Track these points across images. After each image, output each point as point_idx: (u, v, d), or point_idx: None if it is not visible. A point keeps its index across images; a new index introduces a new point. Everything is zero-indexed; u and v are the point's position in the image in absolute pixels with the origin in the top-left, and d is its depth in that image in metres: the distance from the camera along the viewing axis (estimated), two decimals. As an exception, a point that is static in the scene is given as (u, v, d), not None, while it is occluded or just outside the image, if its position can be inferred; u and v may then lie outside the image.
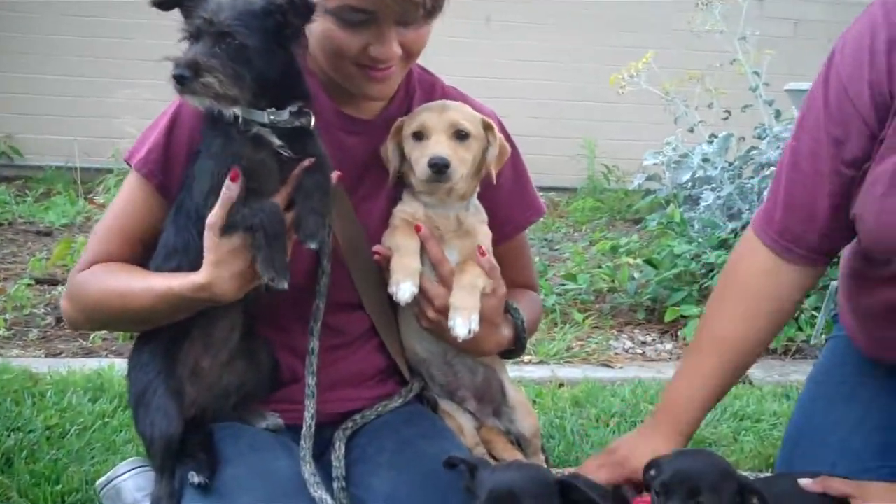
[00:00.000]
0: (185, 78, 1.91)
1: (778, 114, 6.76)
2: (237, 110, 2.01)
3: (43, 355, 4.42)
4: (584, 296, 5.52)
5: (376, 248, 2.27)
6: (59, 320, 4.90)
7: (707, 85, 7.08)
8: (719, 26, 6.78)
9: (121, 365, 3.91)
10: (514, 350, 2.45)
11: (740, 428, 3.52)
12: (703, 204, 6.06)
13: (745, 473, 2.67)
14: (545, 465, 2.52)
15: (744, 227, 5.64)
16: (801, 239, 2.24)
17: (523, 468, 2.11)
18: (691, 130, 6.97)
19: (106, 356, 4.40)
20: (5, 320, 4.83)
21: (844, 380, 2.47)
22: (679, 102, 6.95)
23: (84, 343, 4.59)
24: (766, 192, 5.48)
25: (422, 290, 2.21)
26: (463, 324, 2.16)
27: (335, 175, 2.12)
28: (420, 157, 2.22)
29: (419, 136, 2.25)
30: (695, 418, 2.36)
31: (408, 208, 2.31)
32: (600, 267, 5.91)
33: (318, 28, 2.10)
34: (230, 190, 1.97)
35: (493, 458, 2.42)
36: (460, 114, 2.27)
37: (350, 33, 2.09)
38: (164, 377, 2.14)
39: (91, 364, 4.03)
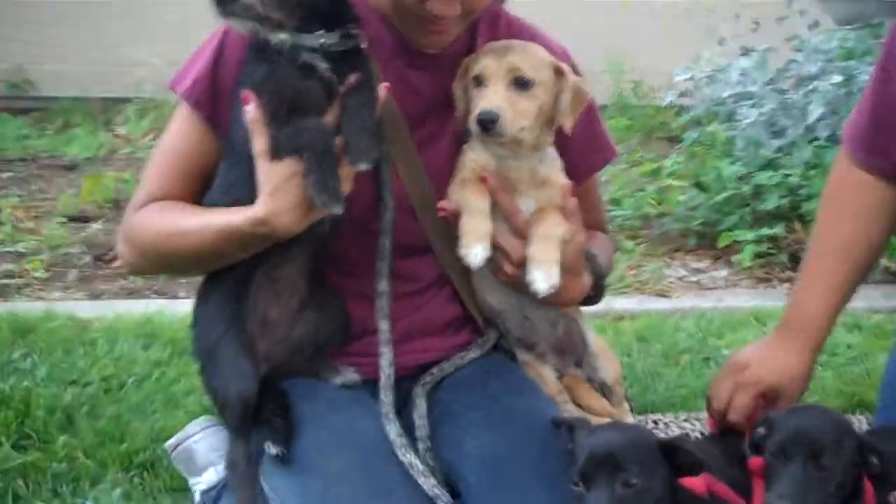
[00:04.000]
0: None
1: (815, 24, 6.55)
2: (284, 35, 1.88)
3: (84, 297, 4.35)
4: (631, 222, 5.37)
5: (442, 203, 2.12)
6: (97, 259, 4.83)
7: (733, -6, 6.86)
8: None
9: (169, 307, 3.87)
10: (592, 297, 2.31)
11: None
12: (745, 122, 5.89)
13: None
14: (630, 413, 2.44)
15: (790, 146, 5.50)
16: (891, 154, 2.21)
17: (624, 429, 2.02)
18: (720, 44, 6.76)
19: (151, 296, 4.33)
20: (42, 261, 4.73)
21: None
22: (706, 14, 6.74)
23: (125, 283, 4.50)
24: (810, 108, 5.36)
25: (496, 245, 2.07)
26: (543, 277, 2.02)
27: (383, 87, 1.96)
28: (475, 108, 2.05)
29: (479, 81, 2.08)
30: (826, 328, 2.33)
31: (477, 158, 2.14)
32: (642, 190, 5.75)
33: None
34: (249, 114, 1.87)
35: (578, 405, 2.34)
36: (523, 58, 2.07)
37: None
38: (236, 331, 2.03)
39: (137, 307, 3.95)
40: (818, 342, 2.32)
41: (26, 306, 3.91)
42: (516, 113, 2.03)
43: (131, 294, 4.38)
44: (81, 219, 5.49)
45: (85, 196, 5.69)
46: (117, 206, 5.61)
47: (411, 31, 2.08)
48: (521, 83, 2.05)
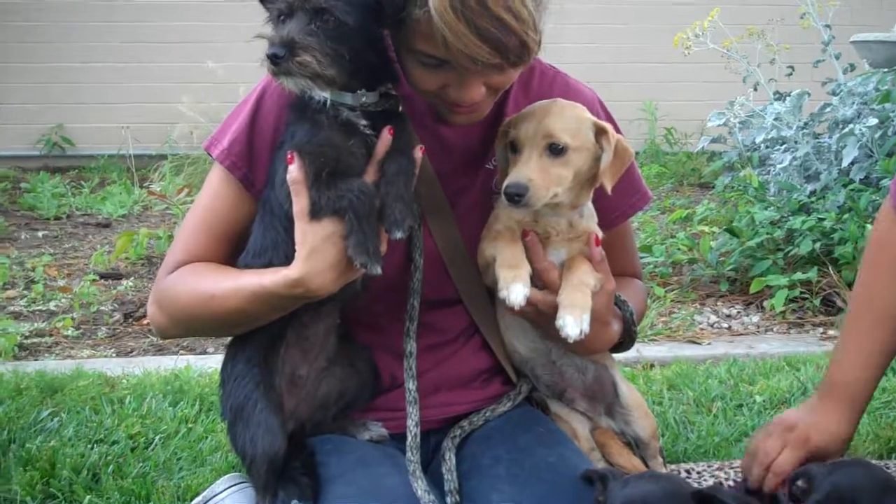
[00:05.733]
0: (280, 57, 1.76)
1: (851, 67, 6.51)
2: (327, 94, 1.87)
3: (114, 354, 4.33)
4: (662, 268, 5.31)
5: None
6: (126, 316, 4.83)
7: (768, 40, 6.83)
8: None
9: (196, 364, 3.84)
10: (623, 343, 2.27)
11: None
12: (778, 166, 5.83)
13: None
14: (664, 469, 2.37)
15: (824, 190, 5.43)
16: None
17: (657, 479, 1.97)
18: (755, 89, 6.74)
19: (179, 353, 4.31)
20: (73, 319, 4.74)
21: None
22: (742, 60, 6.72)
23: (154, 340, 4.49)
24: (844, 151, 5.32)
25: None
26: (574, 323, 1.96)
27: (419, 149, 1.96)
28: (508, 178, 1.99)
29: (514, 147, 2.03)
30: (868, 394, 2.28)
31: (515, 213, 2.08)
32: (674, 237, 5.70)
33: (402, 59, 1.97)
34: (292, 174, 1.85)
35: (609, 462, 2.29)
36: (559, 122, 2.01)
37: (430, 73, 1.92)
38: (264, 389, 2.01)
39: (166, 363, 3.94)
40: (862, 404, 2.27)
41: (56, 365, 3.89)
42: (548, 181, 1.98)
43: (160, 350, 4.37)
44: (113, 276, 5.53)
45: (118, 253, 5.71)
46: (150, 262, 5.66)
47: (441, 112, 2.05)
48: (555, 150, 2.00)
